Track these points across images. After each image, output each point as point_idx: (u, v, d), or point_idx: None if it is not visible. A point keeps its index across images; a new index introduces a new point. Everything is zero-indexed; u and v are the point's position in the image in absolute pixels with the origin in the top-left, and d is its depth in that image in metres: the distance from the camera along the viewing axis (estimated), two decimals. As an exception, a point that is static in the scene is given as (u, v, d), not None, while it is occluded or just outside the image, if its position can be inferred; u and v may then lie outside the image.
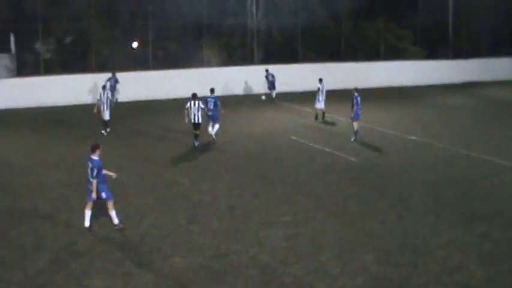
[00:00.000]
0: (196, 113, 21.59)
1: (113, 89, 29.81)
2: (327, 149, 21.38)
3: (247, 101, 33.01)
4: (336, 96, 30.08)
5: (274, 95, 33.15)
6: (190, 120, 21.73)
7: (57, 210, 15.05)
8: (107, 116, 24.32)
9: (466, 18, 41.13)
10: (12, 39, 37.29)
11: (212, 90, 22.95)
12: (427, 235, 13.18)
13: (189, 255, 12.30)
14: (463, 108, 31.61)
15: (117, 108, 28.22)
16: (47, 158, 20.50)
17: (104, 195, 13.46)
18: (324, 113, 27.05)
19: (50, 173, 18.59)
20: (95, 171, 13.21)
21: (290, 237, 13.19)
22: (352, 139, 22.57)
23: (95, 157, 13.41)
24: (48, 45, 35.94)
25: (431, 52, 40.67)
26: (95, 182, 13.24)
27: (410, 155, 20.73)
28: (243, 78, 35.58)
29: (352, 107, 22.73)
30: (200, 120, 21.74)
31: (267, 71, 33.53)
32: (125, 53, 35.66)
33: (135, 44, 39.75)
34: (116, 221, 13.65)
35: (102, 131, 24.25)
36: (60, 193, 16.49)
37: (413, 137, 23.34)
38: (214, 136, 22.40)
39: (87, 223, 13.58)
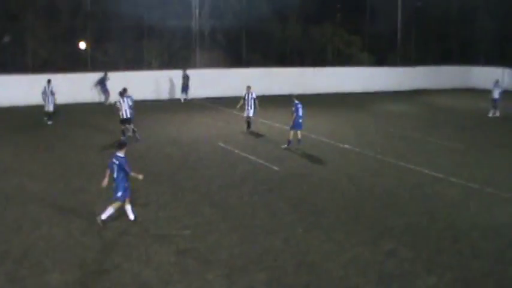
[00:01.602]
0: (126, 108, 22.08)
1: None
2: (252, 157, 20.49)
3: (184, 105, 32.13)
4: (280, 101, 29.29)
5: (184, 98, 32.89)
6: (120, 115, 22.15)
7: None
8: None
9: (414, 26, 40.84)
10: None
11: (125, 90, 22.61)
12: (331, 253, 12.29)
13: (69, 270, 11.28)
14: (404, 115, 31.17)
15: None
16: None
17: (119, 194, 13.51)
18: (248, 122, 25.01)
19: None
20: (126, 167, 13.43)
21: (182, 253, 12.19)
22: (283, 146, 21.74)
23: (121, 154, 13.46)
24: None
25: (380, 59, 40.28)
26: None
27: (337, 165, 19.94)
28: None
29: (292, 114, 21.76)
30: (129, 116, 22.20)
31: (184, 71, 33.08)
32: (63, 53, 34.31)
33: (82, 45, 38.52)
34: (103, 216, 13.51)
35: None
36: None
37: (346, 146, 22.62)
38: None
39: (131, 216, 13.80)
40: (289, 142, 21.76)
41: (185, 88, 32.37)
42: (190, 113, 29.95)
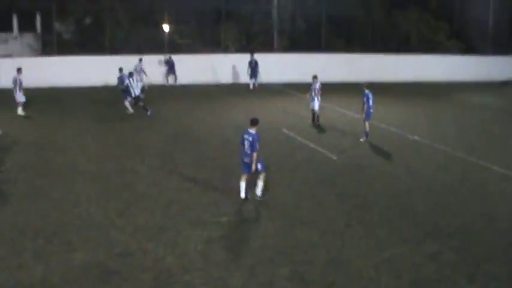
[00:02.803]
0: (135, 87, 23.97)
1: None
2: (312, 145, 19.77)
3: (260, 89, 31.60)
4: (359, 89, 27.94)
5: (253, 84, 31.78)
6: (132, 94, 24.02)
7: None
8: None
9: (507, 11, 38.09)
10: (38, 18, 37.37)
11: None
12: (367, 250, 11.44)
13: (94, 251, 11.19)
14: (487, 108, 29.15)
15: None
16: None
17: (260, 166, 13.73)
18: (317, 116, 23.26)
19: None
20: (256, 144, 13.42)
21: (211, 241, 11.78)
22: (362, 139, 20.70)
23: (253, 131, 13.58)
24: (68, 26, 35.67)
25: (469, 47, 37.87)
26: (255, 154, 13.46)
27: (400, 157, 18.81)
28: (262, 66, 33.91)
29: (363, 105, 20.65)
30: (138, 93, 24.17)
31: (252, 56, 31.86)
32: (141, 35, 34.79)
33: (166, 27, 38.97)
34: (259, 192, 14.03)
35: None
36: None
37: (416, 137, 21.33)
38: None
39: (243, 194, 13.93)
40: (366, 134, 20.73)
41: (254, 74, 31.56)
42: (262, 98, 29.49)
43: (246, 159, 13.68)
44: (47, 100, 28.18)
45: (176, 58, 32.94)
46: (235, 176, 16.02)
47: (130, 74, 24.49)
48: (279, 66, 33.94)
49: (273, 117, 24.70)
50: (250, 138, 13.50)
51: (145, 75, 29.33)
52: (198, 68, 33.28)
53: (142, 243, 11.62)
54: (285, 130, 22.03)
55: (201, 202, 14.09)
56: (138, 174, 16.20)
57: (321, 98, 22.85)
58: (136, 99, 24.17)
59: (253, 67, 31.32)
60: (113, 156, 18.00)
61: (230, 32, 35.40)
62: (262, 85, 32.62)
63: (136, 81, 24.07)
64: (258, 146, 13.52)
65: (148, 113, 24.09)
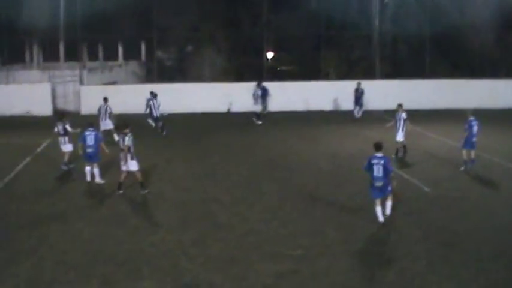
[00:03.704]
0: (156, 108, 25.86)
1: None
2: (406, 175, 18.72)
3: (363, 117, 30.59)
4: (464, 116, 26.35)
5: (357, 113, 30.42)
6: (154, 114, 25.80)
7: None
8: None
9: None
10: (143, 47, 39.02)
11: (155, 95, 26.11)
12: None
13: (161, 280, 11.17)
14: None
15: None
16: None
17: (390, 188, 13.89)
18: (404, 147, 21.33)
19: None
20: (390, 166, 13.92)
21: (282, 275, 11.32)
22: (462, 168, 19.48)
23: (380, 154, 13.82)
24: (170, 54, 36.87)
25: None
26: (392, 174, 13.93)
27: (501, 191, 17.33)
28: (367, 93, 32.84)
29: (465, 132, 19.34)
30: (158, 114, 26.04)
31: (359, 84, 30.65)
32: (241, 62, 35.20)
33: (269, 55, 39.32)
34: (388, 211, 14.15)
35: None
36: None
37: (523, 169, 19.70)
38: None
39: (381, 218, 13.95)
40: (465, 163, 19.49)
41: (357, 102, 30.57)
42: (361, 126, 28.54)
43: (378, 183, 13.69)
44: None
45: (276, 85, 32.92)
46: (319, 206, 15.62)
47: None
48: (381, 93, 32.87)
49: (370, 144, 23.65)
50: (382, 162, 13.64)
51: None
52: (297, 95, 33.02)
53: (210, 274, 11.39)
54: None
55: (279, 234, 13.68)
56: (221, 204, 16.03)
57: (406, 128, 21.18)
58: (156, 119, 25.97)
59: (359, 96, 30.40)
60: (200, 185, 17.96)
61: (330, 58, 34.94)
62: (363, 112, 31.69)
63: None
64: (392, 167, 13.99)
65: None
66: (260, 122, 28.91)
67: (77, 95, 32.40)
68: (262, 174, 19.34)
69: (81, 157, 18.12)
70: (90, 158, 17.69)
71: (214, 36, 34.30)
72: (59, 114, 21.25)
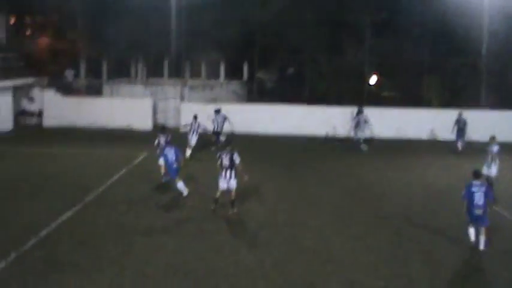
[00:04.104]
0: (218, 124, 26.57)
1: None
2: (505, 213, 17.53)
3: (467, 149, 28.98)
4: None
5: (459, 146, 28.15)
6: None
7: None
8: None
9: None
10: (245, 67, 39.56)
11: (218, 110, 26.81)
12: None
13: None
14: None
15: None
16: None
17: (486, 221, 13.93)
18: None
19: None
20: (492, 194, 14.59)
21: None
22: None
23: (478, 182, 14.03)
24: (271, 75, 37.11)
25: None
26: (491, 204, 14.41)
27: None
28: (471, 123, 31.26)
29: None
30: (219, 129, 26.79)
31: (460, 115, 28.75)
32: (340, 87, 34.78)
33: (372, 80, 38.76)
34: (482, 245, 13.91)
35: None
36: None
37: None
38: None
39: (472, 238, 14.07)
40: None
41: (460, 133, 28.69)
42: (462, 158, 26.98)
43: (478, 211, 13.71)
44: (242, 145, 29.05)
45: (376, 111, 32.25)
46: (406, 238, 14.86)
47: (195, 117, 25.12)
48: (486, 124, 31.20)
49: (468, 178, 22.42)
50: (483, 189, 13.79)
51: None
52: (397, 122, 32.06)
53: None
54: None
55: (361, 262, 13.19)
56: (307, 228, 15.69)
57: (499, 162, 19.71)
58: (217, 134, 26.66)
59: (462, 127, 28.35)
60: (289, 208, 17.71)
61: (433, 85, 33.76)
62: (462, 147, 30.02)
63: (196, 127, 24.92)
64: (493, 196, 14.52)
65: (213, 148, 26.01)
66: (366, 148, 28.38)
67: (177, 111, 33.23)
68: (352, 201, 18.82)
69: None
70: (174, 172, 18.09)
71: (316, 60, 34.17)
72: (161, 127, 21.81)
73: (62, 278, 11.80)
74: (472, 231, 13.95)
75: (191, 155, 24.34)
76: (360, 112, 29.07)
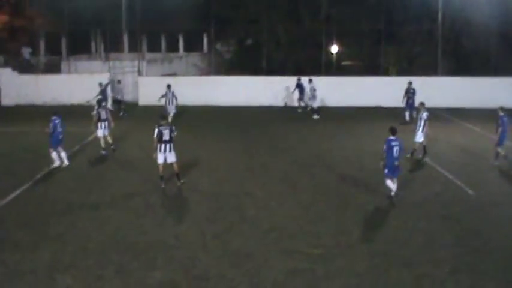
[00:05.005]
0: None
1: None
2: (451, 177, 18.03)
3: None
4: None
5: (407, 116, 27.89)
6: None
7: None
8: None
9: None
10: (205, 39, 39.39)
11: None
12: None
13: (174, 271, 11.24)
14: None
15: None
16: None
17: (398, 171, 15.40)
18: (424, 147, 20.35)
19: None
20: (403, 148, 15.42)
21: (294, 273, 11.12)
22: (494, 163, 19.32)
23: (394, 137, 15.11)
24: (229, 47, 37.02)
25: None
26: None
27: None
28: (424, 90, 31.67)
29: (496, 129, 19.06)
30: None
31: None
32: (298, 57, 34.87)
33: (333, 49, 38.86)
34: (393, 192, 15.35)
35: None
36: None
37: None
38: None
39: (393, 191, 15.33)
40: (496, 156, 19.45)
41: (409, 103, 28.05)
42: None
43: (396, 163, 15.10)
44: (199, 118, 29.23)
45: (337, 80, 32.56)
46: (351, 206, 15.25)
47: (169, 87, 27.52)
48: (442, 91, 31.79)
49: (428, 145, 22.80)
50: (399, 143, 15.02)
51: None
52: (355, 91, 32.41)
53: (223, 268, 11.35)
54: (427, 159, 20.35)
55: (303, 231, 13.46)
56: (253, 198, 15.94)
57: (427, 129, 20.21)
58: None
59: (411, 96, 27.81)
60: (237, 178, 17.95)
61: (391, 54, 34.01)
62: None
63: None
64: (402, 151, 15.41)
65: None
66: (317, 117, 28.73)
67: (136, 85, 33.08)
68: (302, 170, 19.10)
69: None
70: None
71: (273, 29, 34.12)
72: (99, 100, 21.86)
73: (1, 256, 11.86)
74: (390, 182, 15.21)
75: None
76: (310, 81, 29.46)
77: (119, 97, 29.71)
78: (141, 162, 19.26)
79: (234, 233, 13.30)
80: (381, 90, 32.32)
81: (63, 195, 16.07)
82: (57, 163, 18.95)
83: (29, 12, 36.87)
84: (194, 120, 28.54)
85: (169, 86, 27.29)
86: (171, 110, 27.09)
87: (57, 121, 18.78)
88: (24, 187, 16.73)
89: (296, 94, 31.06)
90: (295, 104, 31.40)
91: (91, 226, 13.63)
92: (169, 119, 25.29)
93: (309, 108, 29.75)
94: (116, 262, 11.58)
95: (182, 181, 16.91)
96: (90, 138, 23.42)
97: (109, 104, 28.34)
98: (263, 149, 22.25)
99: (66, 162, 19.03)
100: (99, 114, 20.62)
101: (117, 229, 13.45)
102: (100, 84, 28.86)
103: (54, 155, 18.89)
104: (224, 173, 18.56)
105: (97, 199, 15.69)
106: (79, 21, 34.39)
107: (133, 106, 32.18)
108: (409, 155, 20.10)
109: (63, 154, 19.03)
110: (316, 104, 29.35)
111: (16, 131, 25.49)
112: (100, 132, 20.66)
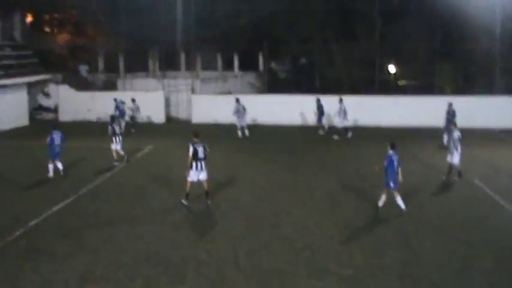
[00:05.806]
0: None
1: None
2: (498, 199, 17.37)
3: (473, 135, 28.44)
4: None
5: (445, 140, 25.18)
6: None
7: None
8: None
9: None
10: (260, 58, 39.69)
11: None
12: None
13: (200, 287, 11.27)
14: None
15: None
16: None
17: (392, 184, 15.77)
18: (451, 171, 19.84)
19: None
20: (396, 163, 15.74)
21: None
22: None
23: (392, 152, 15.70)
24: (284, 65, 37.19)
25: None
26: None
27: None
28: (483, 110, 30.75)
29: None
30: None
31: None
32: (354, 75, 34.61)
33: (391, 69, 38.49)
34: (402, 206, 15.87)
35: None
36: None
37: None
38: None
39: (403, 206, 15.88)
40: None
41: (448, 125, 26.32)
42: (472, 144, 26.39)
43: (397, 177, 15.69)
44: (251, 136, 29.23)
45: (390, 100, 32.00)
46: (391, 227, 14.91)
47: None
48: (499, 111, 30.76)
49: (470, 165, 22.10)
50: (397, 157, 15.68)
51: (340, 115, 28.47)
52: (408, 110, 31.70)
53: (251, 286, 11.37)
54: (476, 181, 19.68)
55: (336, 250, 13.28)
56: (291, 216, 15.84)
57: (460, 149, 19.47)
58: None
59: (450, 119, 25.31)
60: (278, 197, 17.87)
61: (446, 72, 33.26)
62: (476, 130, 29.32)
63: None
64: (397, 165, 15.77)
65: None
66: (337, 137, 28.08)
67: (189, 103, 33.62)
68: (346, 190, 18.78)
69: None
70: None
71: (327, 48, 34.09)
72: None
73: (37, 265, 12.28)
74: (384, 197, 15.98)
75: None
76: (341, 101, 28.40)
77: (134, 114, 30.62)
78: (183, 179, 19.41)
79: (267, 251, 13.26)
80: (437, 110, 31.43)
81: (105, 209, 16.47)
82: (51, 174, 19.92)
83: (90, 32, 38.27)
84: (245, 138, 28.60)
85: (237, 100, 28.31)
86: (243, 123, 28.29)
87: (55, 135, 19.95)
88: (67, 201, 17.24)
89: (316, 115, 29.95)
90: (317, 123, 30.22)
91: (126, 239, 13.89)
92: (246, 132, 27.76)
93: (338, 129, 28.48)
94: (145, 275, 11.77)
95: (209, 201, 16.88)
96: (140, 154, 23.92)
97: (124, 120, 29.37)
98: (309, 167, 22.06)
99: (61, 174, 20.09)
100: (113, 129, 21.91)
101: (151, 243, 13.65)
102: (115, 100, 29.77)
103: (50, 166, 19.95)
104: (265, 191, 18.53)
105: (136, 214, 15.99)
106: (137, 40, 35.39)
107: (187, 124, 32.61)
108: (456, 178, 19.54)
109: (59, 165, 20.10)
110: (344, 124, 28.30)
111: (68, 146, 26.29)
112: (113, 146, 21.96)
